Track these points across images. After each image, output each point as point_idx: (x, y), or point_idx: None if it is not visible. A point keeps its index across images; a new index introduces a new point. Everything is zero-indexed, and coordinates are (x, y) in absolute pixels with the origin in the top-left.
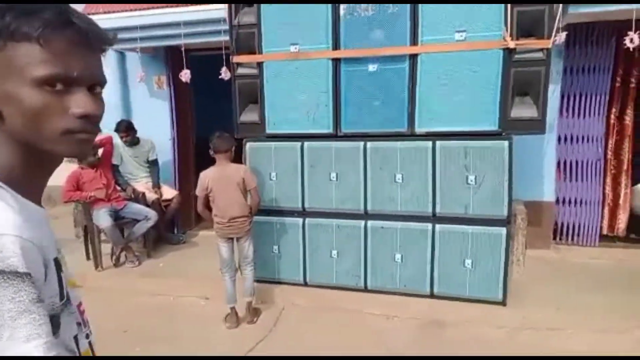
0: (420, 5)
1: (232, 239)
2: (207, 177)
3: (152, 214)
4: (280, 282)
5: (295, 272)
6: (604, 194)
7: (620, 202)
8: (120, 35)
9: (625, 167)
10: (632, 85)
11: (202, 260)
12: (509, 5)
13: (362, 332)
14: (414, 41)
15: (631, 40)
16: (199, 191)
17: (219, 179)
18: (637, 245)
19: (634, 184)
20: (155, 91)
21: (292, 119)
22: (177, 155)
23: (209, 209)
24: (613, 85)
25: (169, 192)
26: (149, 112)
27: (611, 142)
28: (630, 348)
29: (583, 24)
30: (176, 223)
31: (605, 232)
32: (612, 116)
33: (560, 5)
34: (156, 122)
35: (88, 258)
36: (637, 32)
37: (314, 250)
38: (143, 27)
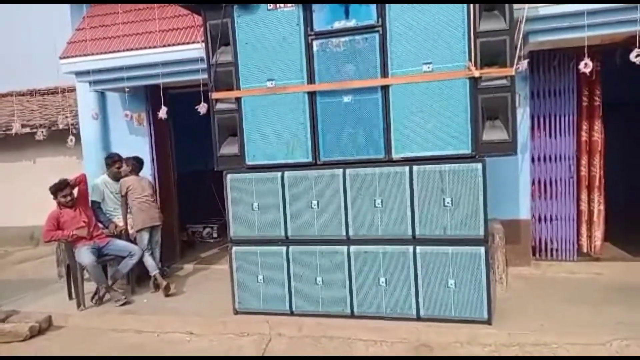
0: (388, 39)
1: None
2: (129, 181)
3: (136, 250)
4: (265, 313)
5: (280, 302)
6: (579, 210)
7: (595, 218)
8: (101, 76)
9: (597, 183)
10: (597, 103)
11: (186, 294)
12: (471, 37)
13: None
14: (384, 73)
15: (585, 65)
16: (124, 190)
17: (139, 186)
18: (614, 258)
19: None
20: (135, 128)
21: (271, 150)
22: (159, 190)
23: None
24: (580, 105)
25: None
26: (129, 148)
27: (584, 160)
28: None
29: (544, 51)
30: (159, 257)
31: (585, 250)
32: (584, 134)
33: (521, 35)
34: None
35: (70, 297)
36: (590, 57)
37: (298, 278)
38: (123, 68)
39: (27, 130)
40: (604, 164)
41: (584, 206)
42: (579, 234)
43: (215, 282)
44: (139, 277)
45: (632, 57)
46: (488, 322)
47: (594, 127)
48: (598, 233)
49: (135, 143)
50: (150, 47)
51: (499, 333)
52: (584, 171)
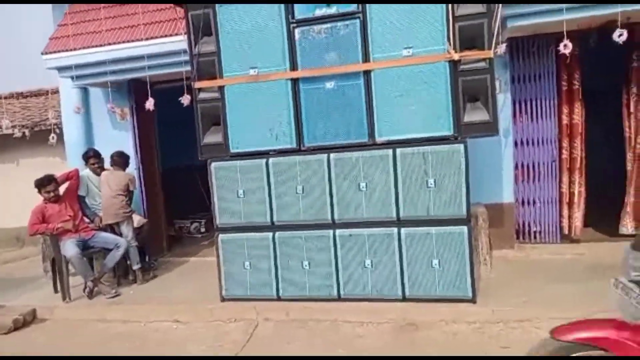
0: (369, 25)
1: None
2: (102, 176)
3: (122, 242)
4: (252, 299)
5: (267, 287)
6: (560, 193)
7: (575, 200)
8: (84, 71)
9: (578, 165)
10: (576, 87)
11: (173, 285)
12: (450, 21)
13: (337, 341)
14: (365, 59)
15: (565, 46)
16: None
17: (107, 181)
18: (596, 239)
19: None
20: (119, 123)
21: (255, 138)
22: (144, 184)
23: None
24: (560, 89)
25: (137, 220)
26: (113, 144)
27: (565, 142)
28: None
29: (523, 37)
30: (146, 251)
31: (566, 231)
32: (564, 117)
33: (498, 19)
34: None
35: (56, 291)
36: (568, 39)
37: (285, 263)
38: (106, 62)
39: (10, 131)
40: (585, 147)
41: (565, 188)
42: (560, 216)
43: (202, 273)
44: (126, 268)
45: (615, 36)
46: (472, 300)
47: (574, 110)
48: (578, 214)
49: (119, 138)
50: (134, 40)
51: (483, 310)
52: (565, 154)
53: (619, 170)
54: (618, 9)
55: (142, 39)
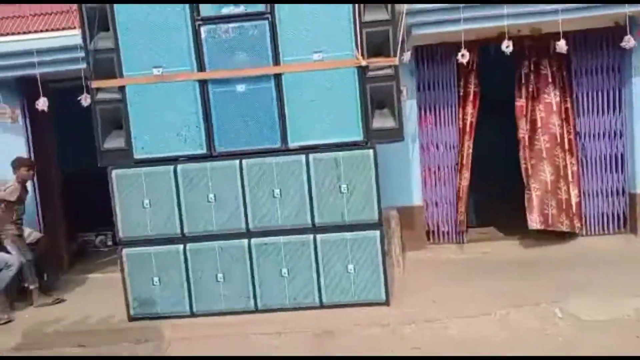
0: (278, 27)
1: None
2: None
3: (14, 260)
4: (164, 317)
5: (180, 303)
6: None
7: (462, 194)
8: None
9: (465, 161)
10: (474, 92)
11: (75, 307)
12: (357, 27)
13: (253, 355)
14: (276, 61)
15: (462, 56)
16: None
17: None
18: (500, 238)
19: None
20: (9, 126)
21: (162, 143)
22: (39, 193)
23: None
24: (459, 95)
25: (32, 235)
26: (4, 148)
27: (463, 144)
28: (495, 328)
29: (428, 45)
30: (44, 269)
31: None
32: (460, 122)
33: (403, 26)
34: (11, 158)
35: None
36: (466, 49)
37: (198, 276)
38: None
39: None
40: (473, 145)
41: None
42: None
43: (108, 291)
44: (20, 289)
45: (503, 47)
46: (386, 303)
47: (469, 112)
48: (462, 208)
49: (9, 142)
50: (22, 33)
51: (395, 312)
52: (463, 155)
53: (514, 171)
54: (504, 22)
55: (30, 32)
